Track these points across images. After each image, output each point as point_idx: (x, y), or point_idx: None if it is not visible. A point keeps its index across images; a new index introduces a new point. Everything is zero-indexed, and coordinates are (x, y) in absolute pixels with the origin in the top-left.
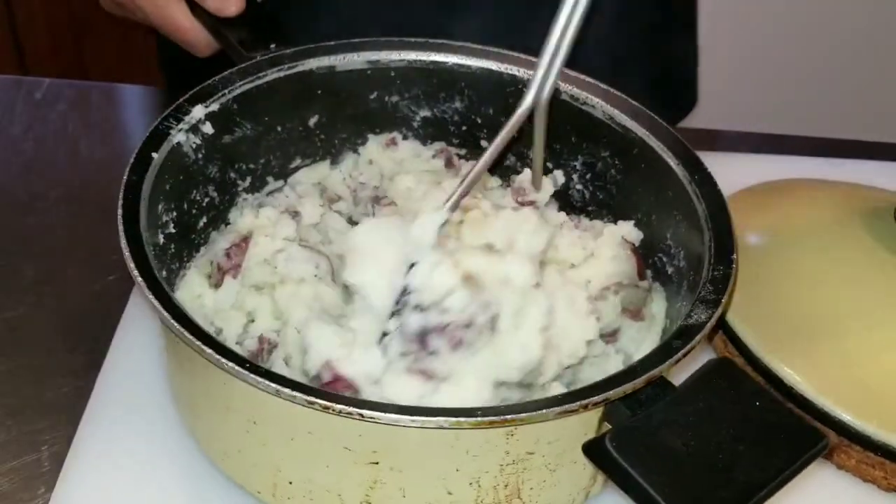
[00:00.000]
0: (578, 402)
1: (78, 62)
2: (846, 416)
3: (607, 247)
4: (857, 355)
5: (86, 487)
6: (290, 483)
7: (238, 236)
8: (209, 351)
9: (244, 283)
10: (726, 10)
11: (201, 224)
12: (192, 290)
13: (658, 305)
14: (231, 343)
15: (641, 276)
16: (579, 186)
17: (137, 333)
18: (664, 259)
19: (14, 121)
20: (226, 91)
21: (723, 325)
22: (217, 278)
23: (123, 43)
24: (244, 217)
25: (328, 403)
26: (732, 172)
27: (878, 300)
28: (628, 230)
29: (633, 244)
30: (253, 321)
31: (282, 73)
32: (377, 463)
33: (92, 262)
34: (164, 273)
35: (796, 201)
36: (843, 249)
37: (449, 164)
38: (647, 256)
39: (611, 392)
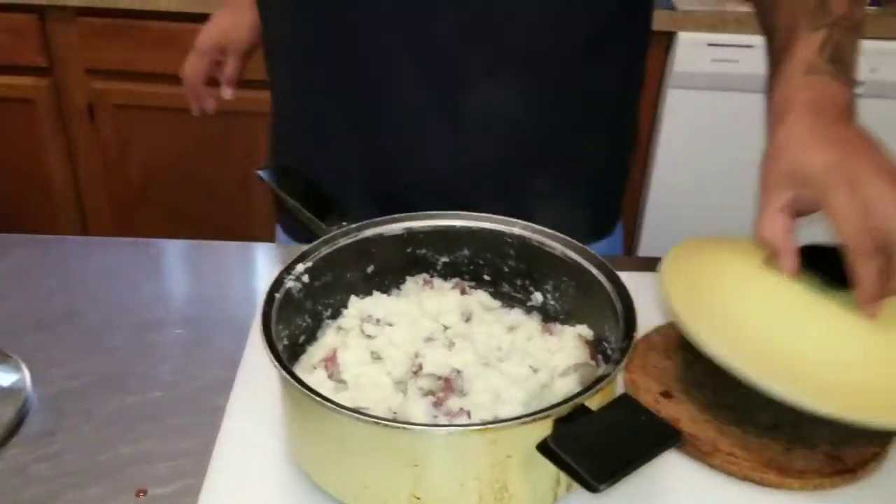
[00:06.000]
0: (530, 417)
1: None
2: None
3: (568, 341)
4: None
5: (218, 489)
6: (366, 487)
7: (329, 350)
8: (319, 399)
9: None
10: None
11: (301, 340)
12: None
13: None
14: None
15: (593, 359)
16: (552, 302)
17: (243, 402)
18: (605, 345)
19: (137, 270)
20: (315, 253)
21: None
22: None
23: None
24: (328, 335)
25: (397, 425)
26: None
27: (779, 305)
28: (582, 330)
29: (586, 338)
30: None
31: (349, 241)
32: (416, 465)
33: (204, 361)
34: None
35: (727, 246)
36: (757, 278)
37: (463, 291)
38: (597, 345)
39: (550, 411)
